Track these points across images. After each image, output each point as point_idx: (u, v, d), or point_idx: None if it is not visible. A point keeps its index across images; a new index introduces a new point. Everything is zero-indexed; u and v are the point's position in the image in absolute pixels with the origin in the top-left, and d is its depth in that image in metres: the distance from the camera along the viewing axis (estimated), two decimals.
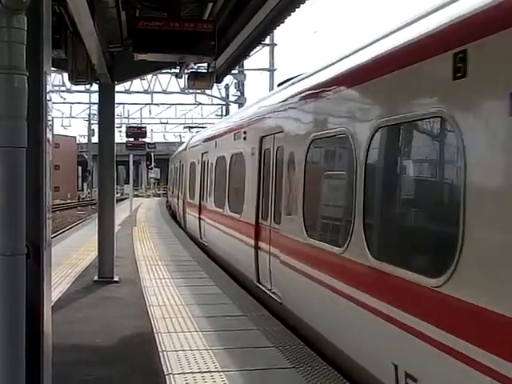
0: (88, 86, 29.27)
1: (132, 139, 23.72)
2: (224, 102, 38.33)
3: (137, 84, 39.97)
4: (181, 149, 23.61)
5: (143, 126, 35.42)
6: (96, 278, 9.27)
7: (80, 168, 63.10)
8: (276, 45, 32.43)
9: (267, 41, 28.90)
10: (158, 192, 54.69)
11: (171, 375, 4.93)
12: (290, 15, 6.80)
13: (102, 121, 9.86)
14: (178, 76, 20.48)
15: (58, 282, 8.83)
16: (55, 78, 32.39)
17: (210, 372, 4.99)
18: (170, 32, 6.08)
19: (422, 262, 4.19)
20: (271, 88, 29.30)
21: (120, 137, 34.37)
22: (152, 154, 41.21)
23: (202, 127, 30.64)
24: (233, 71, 25.33)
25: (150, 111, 51.55)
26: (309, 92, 6.46)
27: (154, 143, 39.93)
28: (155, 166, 48.79)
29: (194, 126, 41.12)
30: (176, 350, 5.63)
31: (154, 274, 9.98)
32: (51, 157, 2.75)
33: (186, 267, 10.82)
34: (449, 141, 3.88)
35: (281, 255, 6.90)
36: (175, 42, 6.11)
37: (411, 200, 4.64)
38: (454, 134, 3.56)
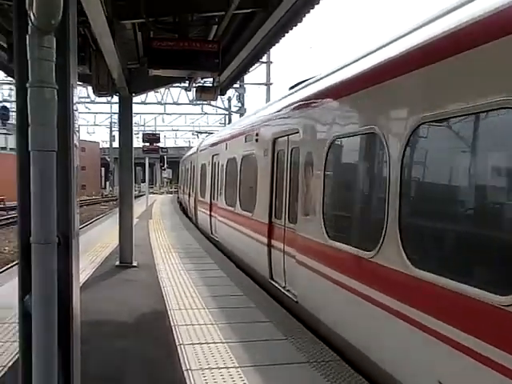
0: (109, 98, 29.02)
1: (148, 144, 23.70)
2: (227, 112, 38.16)
3: (151, 96, 39.81)
4: (191, 152, 23.20)
5: (157, 132, 35.27)
6: (117, 263, 9.27)
7: (103, 169, 63.02)
8: (272, 62, 32.47)
9: (264, 59, 28.85)
10: (170, 190, 54.60)
11: (182, 345, 4.95)
12: (284, 36, 6.79)
13: (121, 128, 9.84)
14: (187, 89, 20.48)
15: (85, 267, 8.81)
16: (81, 91, 32.18)
17: (214, 343, 5.01)
18: (180, 51, 6.06)
19: (484, 275, 3.18)
20: (268, 100, 29.20)
21: (137, 142, 34.33)
22: (165, 157, 41.22)
23: (210, 133, 30.51)
24: (234, 85, 25.25)
25: (163, 120, 51.46)
26: (329, 91, 5.54)
27: (166, 148, 39.86)
28: (167, 167, 48.86)
29: (201, 132, 41.07)
30: (186, 325, 5.64)
31: (167, 260, 9.98)
32: (78, 159, 2.74)
33: (195, 254, 10.81)
34: None
35: (297, 255, 6.03)
36: (185, 59, 6.09)
37: (466, 201, 3.54)
38: None
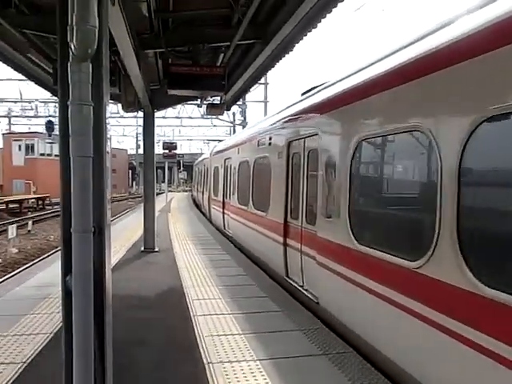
0: (135, 113, 29.10)
1: (167, 151, 23.58)
2: (232, 124, 38.21)
3: (170, 111, 39.63)
4: (204, 157, 22.59)
5: (174, 141, 35.20)
6: (142, 248, 9.26)
7: (130, 171, 62.79)
8: (268, 84, 32.70)
9: (262, 80, 28.85)
10: (185, 189, 54.51)
11: (196, 316, 4.96)
12: (278, 62, 6.79)
13: (145, 138, 9.81)
14: (199, 106, 20.43)
15: (116, 252, 8.82)
16: (112, 108, 32.09)
17: (222, 314, 5.03)
18: (193, 74, 6.06)
19: None
20: (265, 114, 29.15)
21: (158, 149, 34.04)
22: (181, 161, 41.12)
23: (219, 140, 30.36)
24: (238, 102, 25.19)
25: (179, 131, 51.32)
26: (355, 90, 4.38)
27: (182, 154, 39.61)
28: (183, 170, 48.82)
29: (211, 140, 41.04)
30: (198, 299, 5.65)
31: (183, 247, 9.98)
32: (110, 163, 2.74)
33: (206, 242, 10.80)
34: None
35: (317, 256, 5.03)
36: (197, 81, 6.09)
37: None
38: None
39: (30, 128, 37.53)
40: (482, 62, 2.64)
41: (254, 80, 8.02)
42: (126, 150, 64.89)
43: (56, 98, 13.10)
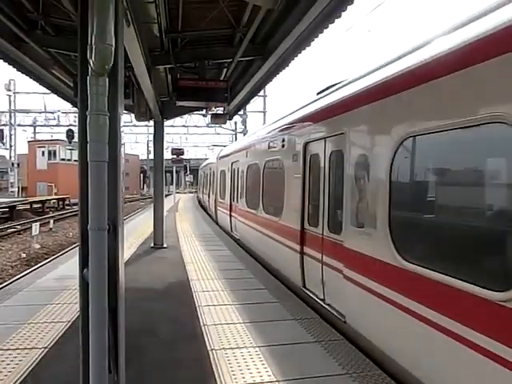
0: (147, 123, 29.13)
1: (175, 156, 23.57)
2: (234, 132, 38.30)
3: (178, 120, 39.69)
4: (210, 161, 21.77)
5: (182, 148, 35.22)
6: (152, 245, 9.25)
7: (142, 175, 62.83)
8: (267, 96, 32.87)
9: (261, 93, 28.95)
10: (192, 190, 54.50)
11: (200, 307, 4.96)
12: (276, 76, 6.81)
13: (155, 144, 9.82)
14: (204, 115, 20.52)
15: (128, 247, 8.81)
16: (126, 117, 32.26)
17: (224, 305, 5.02)
18: (199, 88, 6.09)
19: None
20: (264, 123, 29.15)
21: (167, 154, 33.99)
22: (188, 165, 41.13)
23: (223, 146, 30.31)
24: (239, 112, 25.24)
25: (186, 138, 51.31)
26: (399, 79, 3.24)
27: (189, 159, 39.72)
28: (190, 173, 48.82)
29: (215, 145, 41.12)
30: (203, 291, 5.64)
31: (189, 243, 9.97)
32: (123, 167, 2.75)
33: (210, 238, 10.79)
34: None
35: (344, 270, 4.04)
36: (202, 94, 6.11)
37: None
38: None
39: (52, 136, 37.76)
40: None
41: (253, 92, 8.03)
42: (138, 156, 64.92)
43: (76, 108, 13.14)
